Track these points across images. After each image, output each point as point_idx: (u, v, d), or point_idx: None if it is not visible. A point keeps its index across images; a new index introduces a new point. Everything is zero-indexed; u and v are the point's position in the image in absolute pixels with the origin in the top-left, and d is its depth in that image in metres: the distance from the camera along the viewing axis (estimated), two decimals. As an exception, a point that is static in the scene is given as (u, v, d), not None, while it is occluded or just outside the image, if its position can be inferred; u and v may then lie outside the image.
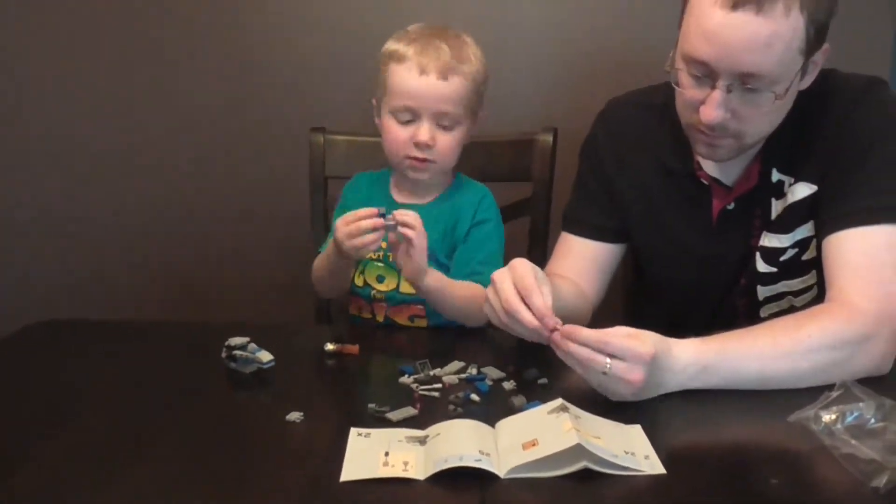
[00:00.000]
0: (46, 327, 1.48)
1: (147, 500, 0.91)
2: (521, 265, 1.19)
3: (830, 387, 1.00)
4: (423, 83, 1.43)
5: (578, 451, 0.93)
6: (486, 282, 1.24)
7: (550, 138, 1.77)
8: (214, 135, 2.15)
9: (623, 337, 1.07)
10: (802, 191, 1.32)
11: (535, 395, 1.13)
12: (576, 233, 1.50)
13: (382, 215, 1.32)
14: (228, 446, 1.04)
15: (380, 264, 1.51)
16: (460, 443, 0.97)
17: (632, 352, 1.06)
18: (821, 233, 1.30)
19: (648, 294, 1.57)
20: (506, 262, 1.49)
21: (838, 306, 1.19)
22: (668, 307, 1.51)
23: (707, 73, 1.21)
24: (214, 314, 2.10)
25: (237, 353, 1.25)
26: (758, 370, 1.12)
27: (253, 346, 1.25)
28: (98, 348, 1.39)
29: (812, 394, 1.01)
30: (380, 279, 1.51)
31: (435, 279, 1.38)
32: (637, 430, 1.03)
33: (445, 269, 1.46)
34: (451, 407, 1.11)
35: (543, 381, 1.19)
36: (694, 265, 1.43)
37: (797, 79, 1.23)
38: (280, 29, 2.09)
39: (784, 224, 1.35)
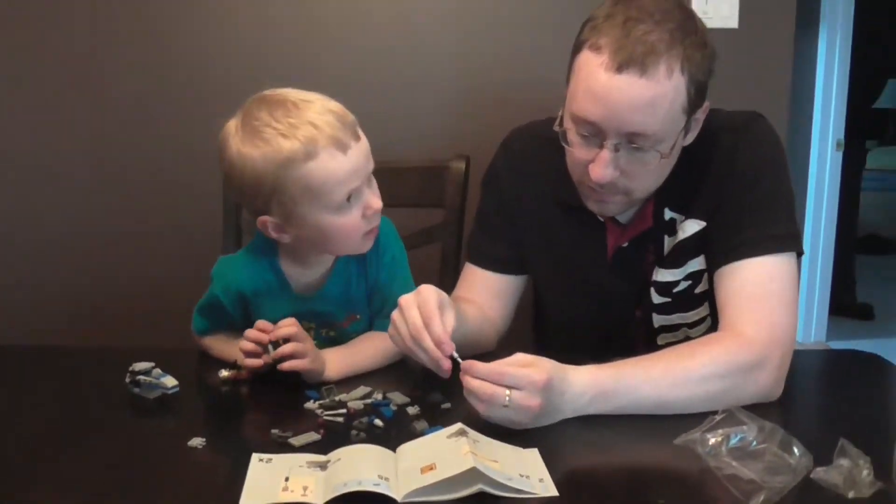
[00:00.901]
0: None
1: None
2: (427, 291, 1.21)
3: (715, 411, 1.04)
4: (352, 158, 1.28)
5: (474, 474, 0.95)
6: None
7: (463, 166, 1.80)
8: (122, 142, 2.12)
9: (518, 366, 1.10)
10: (692, 227, 1.37)
11: (439, 419, 1.15)
12: (478, 264, 1.52)
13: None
14: (130, 474, 1.03)
15: (316, 342, 1.39)
16: (360, 467, 0.99)
17: (528, 379, 1.09)
18: (712, 266, 1.35)
19: (548, 321, 1.62)
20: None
21: (729, 335, 1.24)
22: (567, 335, 1.55)
23: (595, 133, 1.25)
24: (119, 338, 2.07)
25: (141, 378, 1.24)
26: (654, 397, 1.16)
27: (157, 371, 1.25)
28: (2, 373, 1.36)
29: (698, 418, 1.05)
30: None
31: (337, 367, 1.30)
32: (534, 453, 1.06)
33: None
34: (355, 432, 1.12)
35: (447, 405, 1.21)
36: (590, 299, 1.47)
37: (681, 136, 1.29)
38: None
39: (675, 259, 1.40)
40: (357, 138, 1.29)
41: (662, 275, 1.41)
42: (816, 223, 3.98)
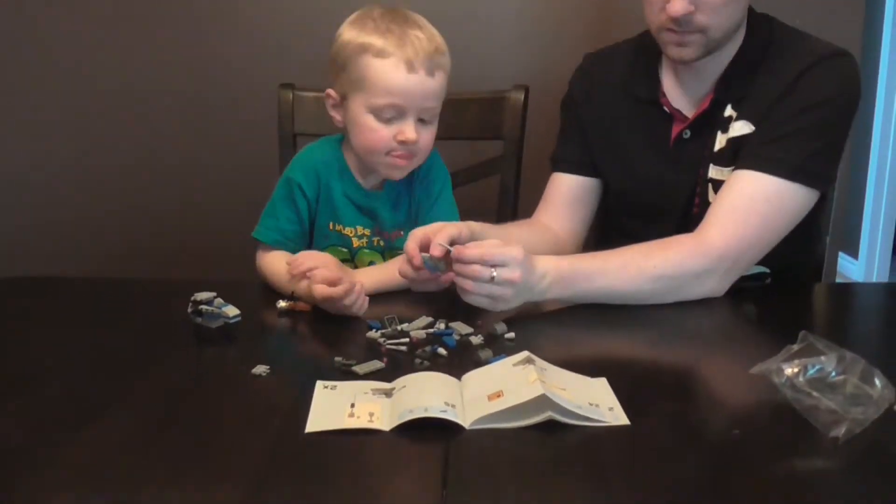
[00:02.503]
0: (13, 284, 1.46)
1: (112, 458, 0.90)
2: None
3: (793, 340, 1.00)
4: (413, 81, 1.34)
5: (543, 401, 0.93)
6: None
7: (522, 96, 1.76)
8: (181, 90, 2.12)
9: (497, 246, 1.21)
10: (742, 128, 1.41)
11: (503, 349, 1.13)
12: (558, 169, 1.61)
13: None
14: (196, 402, 1.03)
15: (366, 251, 1.47)
16: (426, 394, 0.97)
17: (509, 256, 1.20)
18: (735, 165, 1.39)
19: (613, 231, 1.62)
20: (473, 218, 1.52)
21: (692, 239, 1.34)
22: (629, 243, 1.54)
23: None
24: (182, 271, 2.08)
25: (203, 307, 1.23)
26: (605, 287, 1.28)
27: (219, 300, 1.24)
28: (64, 305, 1.37)
29: (773, 346, 1.01)
30: (371, 264, 1.46)
31: (368, 284, 1.31)
32: (602, 382, 1.03)
33: None
34: (418, 361, 1.11)
35: (511, 335, 1.19)
36: (651, 191, 1.51)
37: None
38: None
39: (724, 157, 1.43)
40: (430, 73, 1.35)
41: (715, 171, 1.45)
42: (881, 163, 3.86)
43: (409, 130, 1.37)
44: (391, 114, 1.37)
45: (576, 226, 1.60)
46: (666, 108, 1.49)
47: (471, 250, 1.21)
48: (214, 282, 1.33)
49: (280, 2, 2.08)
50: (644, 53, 1.53)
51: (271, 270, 1.41)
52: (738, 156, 1.40)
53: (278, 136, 1.81)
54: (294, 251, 1.42)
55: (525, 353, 1.03)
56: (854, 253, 4.02)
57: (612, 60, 1.59)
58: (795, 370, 0.99)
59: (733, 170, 1.40)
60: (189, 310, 1.24)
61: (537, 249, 1.41)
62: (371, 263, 1.47)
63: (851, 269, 4.02)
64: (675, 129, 1.49)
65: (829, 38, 1.44)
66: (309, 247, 1.47)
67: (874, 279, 3.96)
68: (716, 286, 1.34)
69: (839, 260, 3.43)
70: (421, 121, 1.39)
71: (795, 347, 1.00)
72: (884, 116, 3.78)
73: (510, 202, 1.76)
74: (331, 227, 1.46)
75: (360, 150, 1.43)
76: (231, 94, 2.12)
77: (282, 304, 1.29)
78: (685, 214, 1.49)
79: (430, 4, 2.02)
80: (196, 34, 2.10)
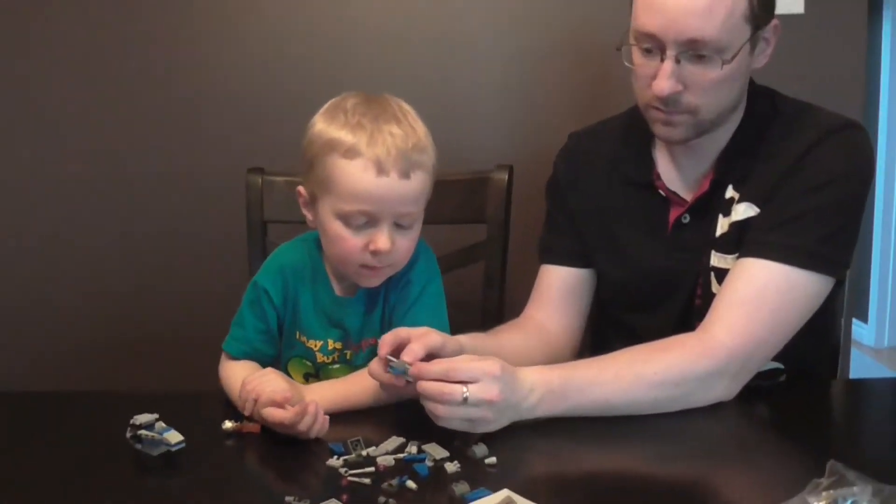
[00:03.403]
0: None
1: None
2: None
3: (821, 473, 0.85)
4: (384, 185, 1.19)
5: (525, 561, 0.78)
6: None
7: (505, 176, 1.64)
8: (140, 174, 2.00)
9: (469, 361, 1.09)
10: (745, 211, 1.30)
11: (483, 479, 0.99)
12: (547, 261, 1.50)
13: None
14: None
15: (335, 367, 1.32)
16: (388, 549, 0.82)
17: (482, 370, 1.07)
18: (740, 253, 1.27)
19: (609, 322, 1.51)
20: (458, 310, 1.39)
21: (696, 339, 1.22)
22: (628, 333, 1.42)
23: (656, 46, 1.24)
24: (133, 377, 1.94)
25: (143, 433, 1.09)
26: (601, 401, 1.16)
27: (161, 424, 1.09)
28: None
29: (795, 467, 0.87)
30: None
31: (325, 402, 1.15)
32: (596, 525, 0.89)
33: None
34: (383, 499, 0.96)
35: (492, 460, 1.04)
36: (648, 281, 1.39)
37: (745, 50, 1.25)
38: (213, 60, 1.96)
39: (727, 243, 1.31)
40: (405, 175, 1.20)
41: (718, 259, 1.32)
42: (887, 222, 3.75)
43: (381, 240, 1.21)
44: (361, 220, 1.21)
45: (571, 321, 1.46)
46: (661, 192, 1.37)
47: (434, 366, 1.08)
48: (158, 396, 1.23)
49: (249, 77, 1.97)
50: (635, 131, 1.40)
51: (230, 383, 1.27)
52: (742, 242, 1.28)
53: (246, 224, 1.69)
54: (263, 362, 1.30)
55: (504, 493, 0.89)
56: (863, 316, 3.89)
57: (600, 139, 1.48)
58: (823, 506, 0.84)
59: (737, 257, 1.27)
60: (128, 434, 1.10)
61: (533, 354, 1.32)
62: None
63: (861, 332, 3.88)
64: (673, 214, 1.37)
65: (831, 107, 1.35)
66: (277, 357, 1.33)
67: (885, 343, 3.84)
68: (725, 391, 1.21)
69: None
70: (398, 226, 1.23)
71: (824, 482, 0.85)
72: (885, 173, 3.69)
73: (496, 290, 1.63)
74: (297, 336, 1.33)
75: (330, 257, 1.30)
76: (195, 179, 2.00)
77: (228, 424, 1.15)
78: (686, 307, 1.36)
79: (406, 80, 1.95)
80: (155, 116, 1.99)
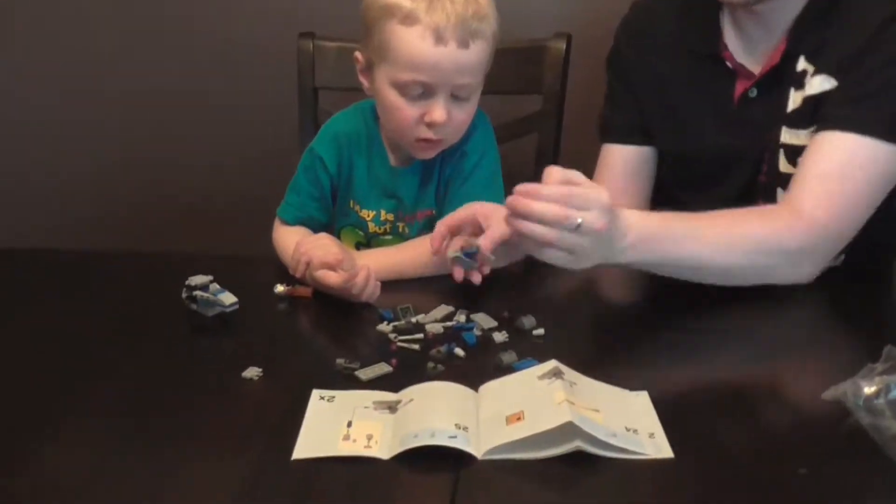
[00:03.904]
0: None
1: (70, 479, 0.80)
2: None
3: (875, 358, 0.84)
4: (442, 54, 1.14)
5: (570, 428, 0.79)
6: None
7: (563, 46, 1.58)
8: (192, 40, 1.97)
9: (587, 187, 1.00)
10: (821, 84, 1.22)
11: (530, 350, 0.99)
12: (608, 140, 1.43)
13: None
14: (175, 410, 0.92)
15: (388, 238, 1.32)
16: (435, 412, 0.84)
17: (597, 199, 0.99)
18: (816, 126, 1.21)
19: (664, 209, 1.43)
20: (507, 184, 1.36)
21: (788, 212, 1.16)
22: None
23: None
24: (189, 239, 1.96)
25: (198, 294, 1.11)
26: (694, 255, 1.10)
27: (215, 286, 1.11)
28: (53, 280, 1.26)
29: (851, 356, 0.85)
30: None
31: (382, 264, 1.17)
32: (643, 398, 0.89)
33: None
34: (431, 365, 0.97)
35: (540, 331, 1.05)
36: (710, 158, 1.33)
37: None
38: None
39: (801, 118, 1.24)
40: (464, 44, 1.15)
41: (789, 136, 1.25)
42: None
43: (437, 111, 1.17)
44: (417, 91, 1.17)
45: (636, 203, 1.37)
46: (728, 63, 1.30)
47: (554, 189, 0.99)
48: (214, 258, 1.23)
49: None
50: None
51: (283, 247, 1.28)
52: (818, 116, 1.22)
53: (297, 91, 1.66)
54: (316, 229, 1.29)
55: (552, 364, 0.88)
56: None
57: (663, 9, 1.39)
58: (875, 389, 0.83)
59: (814, 132, 1.21)
60: (183, 295, 1.12)
61: None
62: None
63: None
64: (740, 88, 1.30)
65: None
66: (331, 224, 1.34)
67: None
68: (811, 269, 1.16)
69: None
70: (455, 97, 1.19)
71: (879, 367, 0.84)
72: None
73: (548, 163, 1.59)
74: (350, 205, 1.32)
75: (385, 127, 1.28)
76: (246, 44, 1.97)
77: (280, 288, 1.16)
78: (749, 185, 1.30)
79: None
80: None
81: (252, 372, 0.96)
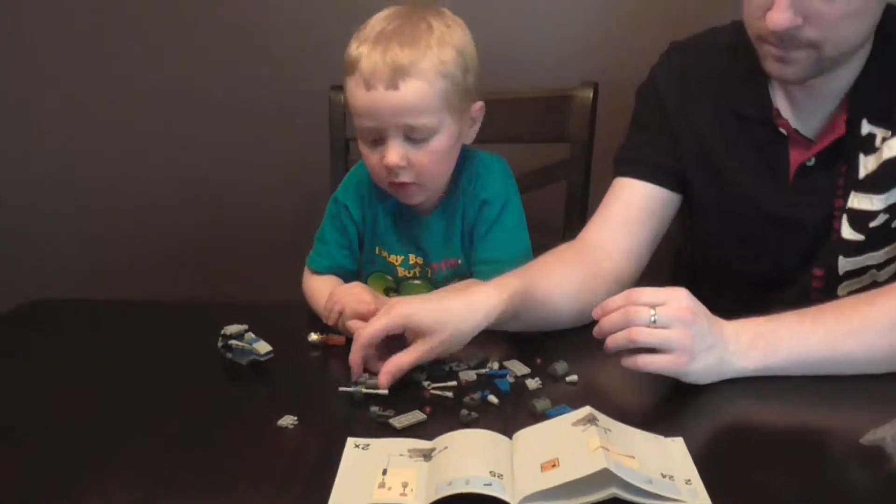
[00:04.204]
0: (39, 307, 1.38)
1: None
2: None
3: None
4: (373, 98, 1.17)
5: (606, 475, 0.78)
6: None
7: (590, 94, 1.59)
8: (225, 94, 2.02)
9: (649, 288, 0.98)
10: None
11: (563, 396, 0.99)
12: (628, 174, 1.32)
13: None
14: (212, 454, 0.92)
15: (416, 282, 1.33)
16: (469, 460, 0.84)
17: (664, 292, 0.97)
18: None
19: (700, 265, 1.41)
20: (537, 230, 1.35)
21: None
22: (725, 282, 1.34)
23: None
24: (223, 287, 1.99)
25: (233, 343, 1.13)
26: (826, 347, 1.00)
27: (250, 335, 1.13)
28: (92, 330, 1.29)
29: (887, 411, 0.84)
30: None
31: None
32: (679, 444, 0.88)
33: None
34: (465, 412, 0.97)
35: (573, 378, 1.05)
36: (763, 227, 1.27)
37: None
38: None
39: (877, 183, 1.17)
40: (392, 86, 1.17)
41: (859, 201, 1.18)
42: None
43: (389, 155, 1.19)
44: (371, 136, 1.21)
45: (639, 248, 1.29)
46: (782, 129, 1.22)
47: (619, 297, 0.99)
48: (247, 307, 1.27)
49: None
50: (746, 55, 1.21)
51: (313, 296, 1.30)
52: (891, 178, 1.16)
53: (329, 143, 1.70)
54: (345, 278, 1.31)
55: (587, 410, 0.88)
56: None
57: (705, 55, 1.30)
58: (914, 435, 0.82)
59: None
60: (219, 344, 1.14)
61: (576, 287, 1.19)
62: None
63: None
64: (796, 156, 1.22)
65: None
66: (359, 271, 1.35)
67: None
68: None
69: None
70: (410, 139, 1.20)
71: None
72: None
73: (577, 212, 1.61)
74: (377, 251, 1.34)
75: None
76: (279, 97, 2.01)
77: (313, 336, 1.18)
78: (807, 251, 1.24)
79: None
80: (241, 30, 2.00)
81: (287, 420, 0.96)
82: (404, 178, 1.22)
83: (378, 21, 1.22)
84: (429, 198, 1.28)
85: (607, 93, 1.62)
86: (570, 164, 1.61)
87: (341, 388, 1.03)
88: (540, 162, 1.63)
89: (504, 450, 0.87)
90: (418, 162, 1.21)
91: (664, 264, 1.48)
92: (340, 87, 1.67)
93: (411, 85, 1.17)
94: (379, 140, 1.21)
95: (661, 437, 0.89)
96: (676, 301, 0.96)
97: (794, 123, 1.22)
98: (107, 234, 2.15)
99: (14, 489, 0.87)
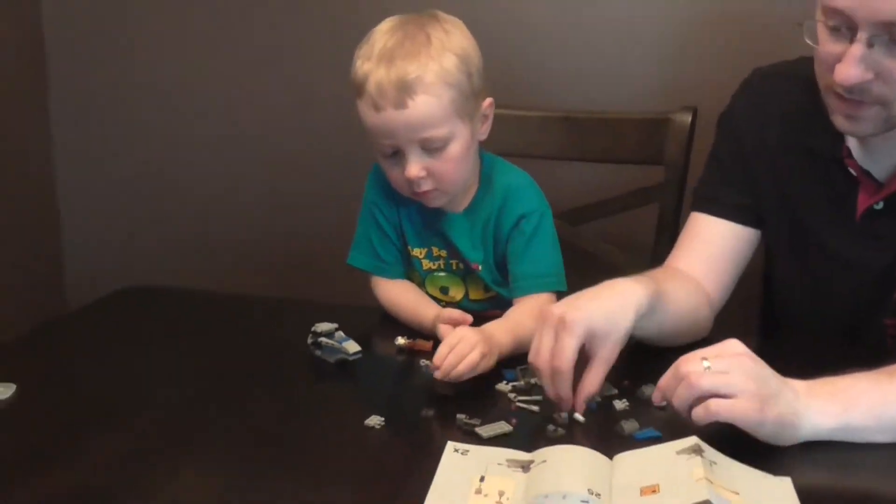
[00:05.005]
0: (135, 294, 1.41)
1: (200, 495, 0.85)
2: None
3: None
4: (383, 119, 1.17)
5: (708, 506, 0.76)
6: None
7: (689, 119, 1.57)
8: (331, 96, 2.05)
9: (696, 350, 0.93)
10: None
11: (651, 420, 0.97)
12: (707, 211, 1.29)
13: None
14: (299, 452, 0.93)
15: (441, 274, 1.32)
16: (568, 475, 0.82)
17: (715, 346, 0.93)
18: None
19: (779, 311, 1.37)
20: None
21: None
22: (799, 326, 1.31)
23: (846, 24, 1.04)
24: (315, 286, 2.01)
25: (323, 340, 1.14)
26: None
27: (340, 334, 1.14)
28: (176, 319, 1.32)
29: None
30: (443, 290, 1.32)
31: (505, 343, 1.13)
32: (786, 484, 0.85)
33: (503, 282, 1.29)
34: (552, 427, 0.96)
35: (663, 404, 1.02)
36: (831, 268, 1.24)
37: None
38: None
39: None
40: (400, 105, 1.16)
41: None
42: None
43: (409, 168, 1.19)
44: (389, 151, 1.21)
45: (726, 282, 1.26)
46: (851, 170, 1.18)
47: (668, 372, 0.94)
48: (336, 306, 1.27)
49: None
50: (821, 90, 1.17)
51: (394, 303, 1.29)
52: None
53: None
54: (394, 274, 1.31)
55: (693, 440, 0.86)
56: None
57: (786, 86, 1.27)
58: None
59: None
60: (309, 341, 1.15)
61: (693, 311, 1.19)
62: (444, 289, 1.32)
63: None
64: (863, 198, 1.19)
65: None
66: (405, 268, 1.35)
67: None
68: None
69: None
70: (427, 150, 1.19)
71: None
72: None
73: (668, 235, 1.58)
74: (409, 249, 1.32)
75: None
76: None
77: (400, 341, 1.18)
78: (877, 303, 1.21)
79: (582, 16, 1.89)
80: (301, 32, 2.03)
81: (375, 420, 0.96)
82: (426, 186, 1.22)
83: (379, 37, 1.21)
84: (452, 198, 1.28)
85: (706, 118, 1.59)
86: (664, 187, 1.58)
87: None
88: (631, 183, 1.61)
89: (604, 469, 0.85)
90: (438, 170, 1.21)
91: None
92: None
93: (419, 100, 1.17)
94: (397, 153, 1.21)
95: (768, 476, 0.86)
96: (729, 348, 0.93)
97: (864, 165, 1.18)
98: (200, 233, 2.21)
99: (111, 466, 0.89)
